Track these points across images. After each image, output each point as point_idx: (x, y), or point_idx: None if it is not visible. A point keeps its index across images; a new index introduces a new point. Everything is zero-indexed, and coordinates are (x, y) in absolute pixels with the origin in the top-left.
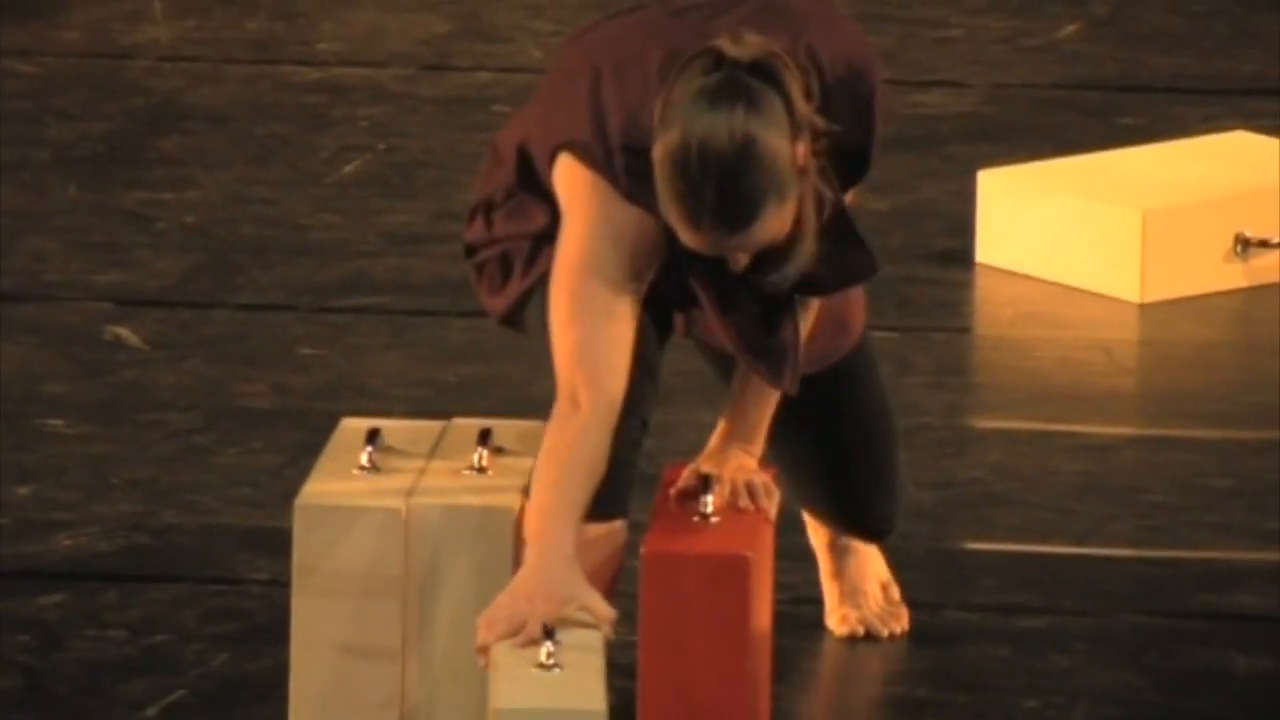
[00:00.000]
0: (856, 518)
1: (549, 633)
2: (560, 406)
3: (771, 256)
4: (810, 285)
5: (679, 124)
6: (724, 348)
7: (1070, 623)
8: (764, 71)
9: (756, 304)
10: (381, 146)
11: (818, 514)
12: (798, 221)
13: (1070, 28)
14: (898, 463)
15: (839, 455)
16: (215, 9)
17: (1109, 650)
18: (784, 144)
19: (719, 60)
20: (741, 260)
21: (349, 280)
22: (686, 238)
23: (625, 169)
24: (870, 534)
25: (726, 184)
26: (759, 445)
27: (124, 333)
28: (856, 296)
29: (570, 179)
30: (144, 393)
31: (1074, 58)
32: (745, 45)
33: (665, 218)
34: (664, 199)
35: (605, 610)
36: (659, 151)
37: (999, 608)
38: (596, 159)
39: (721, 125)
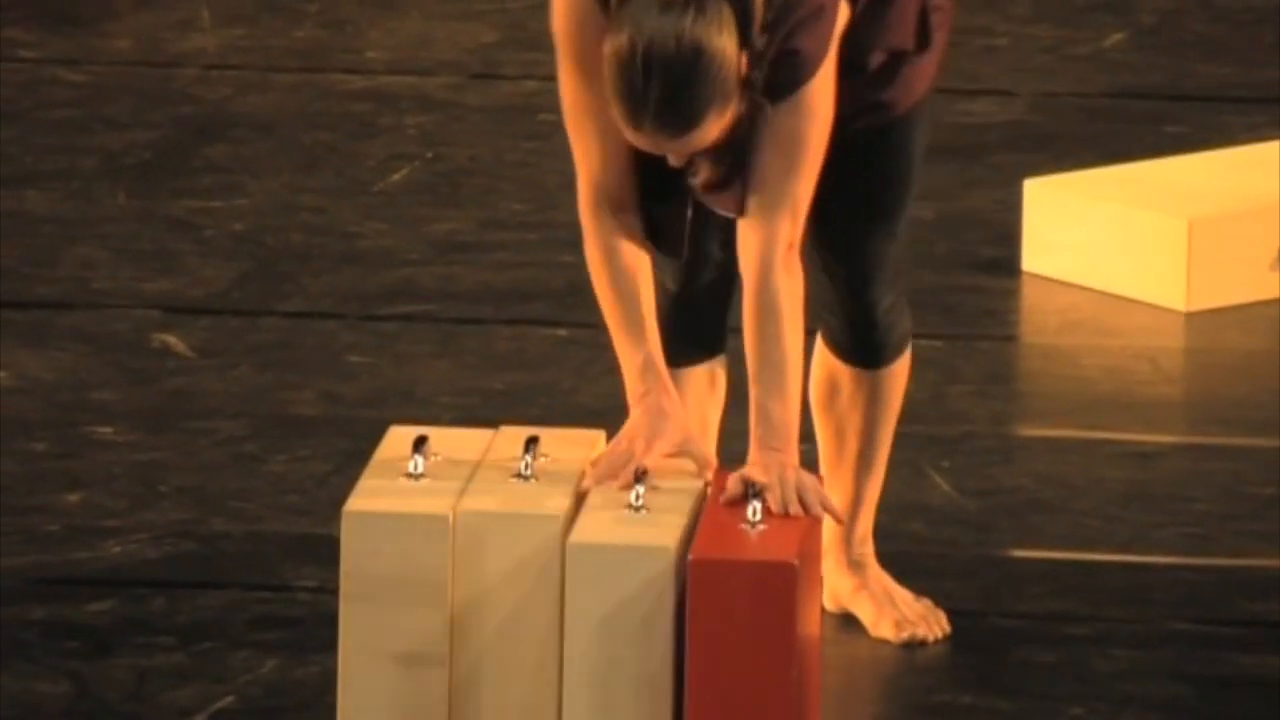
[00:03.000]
0: (843, 292)
1: (640, 476)
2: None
3: (708, 159)
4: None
5: (628, 25)
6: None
7: (1115, 629)
8: None
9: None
10: (429, 155)
11: (824, 291)
12: (736, 129)
13: (1116, 36)
14: (891, 247)
15: (842, 217)
16: (263, 17)
17: (1153, 657)
18: (732, 53)
19: None
20: (680, 159)
21: (396, 288)
22: (627, 135)
23: None
24: (854, 309)
25: (670, 89)
26: (793, 445)
27: (172, 340)
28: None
29: None
30: (192, 400)
31: (1120, 67)
32: None
33: (611, 112)
34: (609, 96)
35: (707, 457)
36: (607, 50)
37: (1044, 615)
38: None
39: (669, 30)
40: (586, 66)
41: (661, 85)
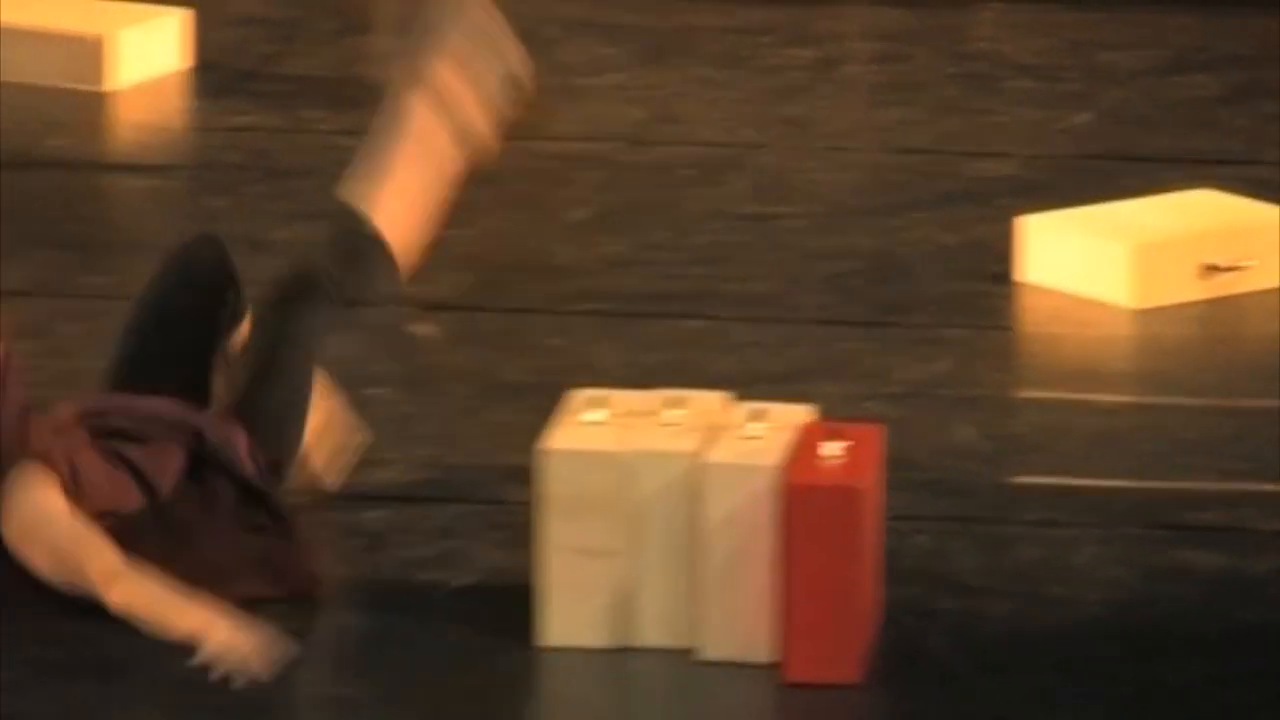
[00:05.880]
0: None
1: (757, 415)
2: None
3: None
4: None
5: None
6: None
7: (1086, 533)
8: None
9: None
10: (601, 197)
11: None
12: None
13: (1085, 116)
14: None
15: None
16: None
17: (1112, 552)
18: None
19: None
20: None
21: (580, 292)
22: None
23: None
24: None
25: None
26: None
27: (424, 328)
28: None
29: None
30: (438, 371)
31: (1087, 137)
32: None
33: None
34: None
35: None
36: None
37: (1037, 522)
38: None
39: None
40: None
41: None
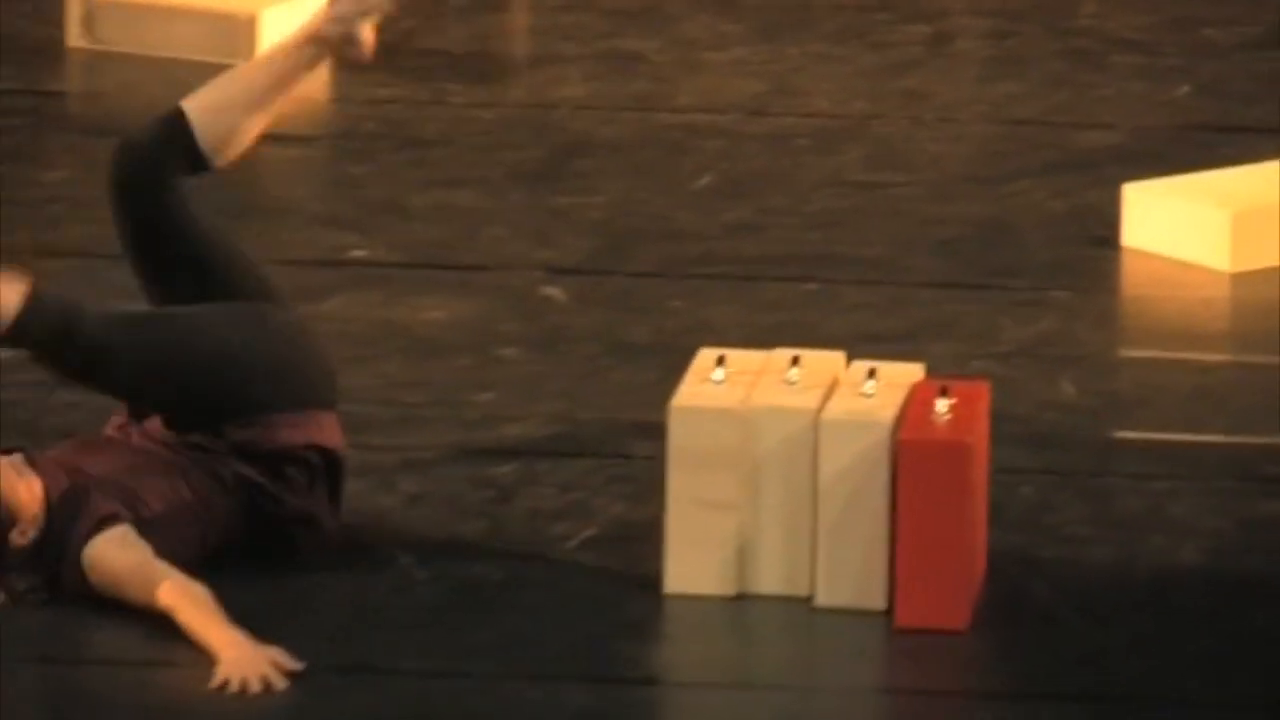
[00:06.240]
0: None
1: (871, 373)
2: None
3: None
4: None
5: None
6: None
7: (1184, 485)
8: None
9: None
10: (722, 166)
11: None
12: None
13: (1185, 88)
14: None
15: None
16: (613, 75)
17: (1209, 503)
18: None
19: None
20: None
21: (702, 256)
22: None
23: None
24: None
25: None
26: None
27: (553, 291)
28: None
29: None
30: (566, 331)
31: (1188, 109)
32: None
33: None
34: None
35: None
36: None
37: (1135, 475)
38: None
39: None
40: None
41: None
